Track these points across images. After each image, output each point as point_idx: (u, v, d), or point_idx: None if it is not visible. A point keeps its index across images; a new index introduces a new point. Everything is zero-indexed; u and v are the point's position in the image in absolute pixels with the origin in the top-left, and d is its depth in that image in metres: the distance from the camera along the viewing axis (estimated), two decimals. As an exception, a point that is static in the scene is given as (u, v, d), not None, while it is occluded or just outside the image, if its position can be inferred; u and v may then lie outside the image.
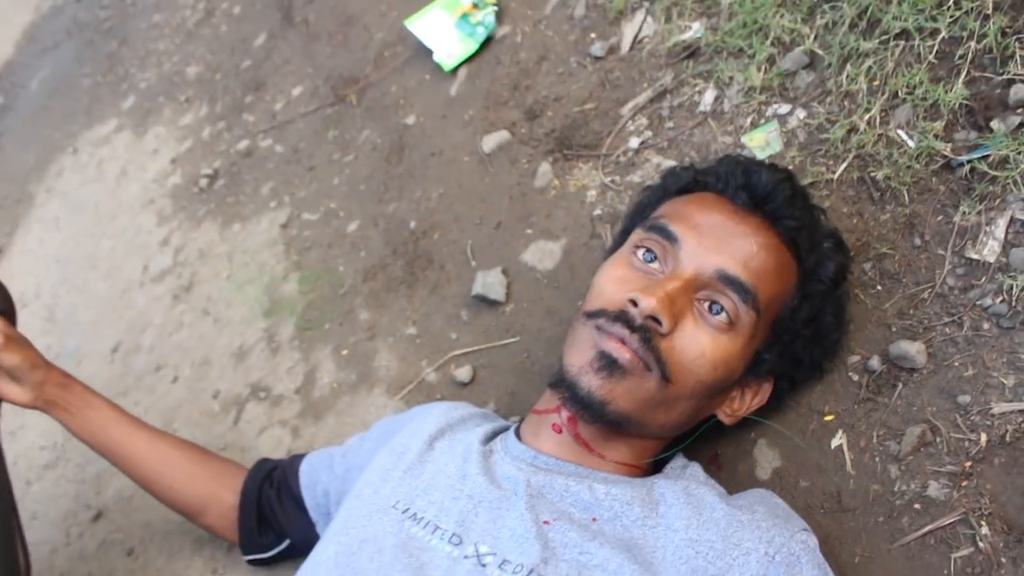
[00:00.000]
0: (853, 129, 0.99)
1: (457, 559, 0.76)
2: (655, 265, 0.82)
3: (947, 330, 0.84)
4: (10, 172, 2.81)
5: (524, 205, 1.28)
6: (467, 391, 1.16)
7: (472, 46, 1.59)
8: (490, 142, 1.40)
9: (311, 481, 1.07)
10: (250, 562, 1.14)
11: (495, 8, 1.61)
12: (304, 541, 1.07)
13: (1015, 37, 0.88)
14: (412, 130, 1.57)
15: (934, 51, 0.94)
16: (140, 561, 1.31)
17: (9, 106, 3.40)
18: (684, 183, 0.88)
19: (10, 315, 1.20)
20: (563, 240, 1.21)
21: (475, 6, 1.63)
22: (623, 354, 0.77)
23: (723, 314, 0.79)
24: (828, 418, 0.88)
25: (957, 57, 0.92)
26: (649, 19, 1.32)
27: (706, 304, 0.79)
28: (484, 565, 0.75)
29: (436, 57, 1.63)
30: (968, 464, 0.78)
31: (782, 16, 1.11)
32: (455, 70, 1.59)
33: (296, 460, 1.12)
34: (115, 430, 1.14)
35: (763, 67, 1.12)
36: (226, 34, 2.44)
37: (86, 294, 1.93)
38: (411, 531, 0.80)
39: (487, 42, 1.58)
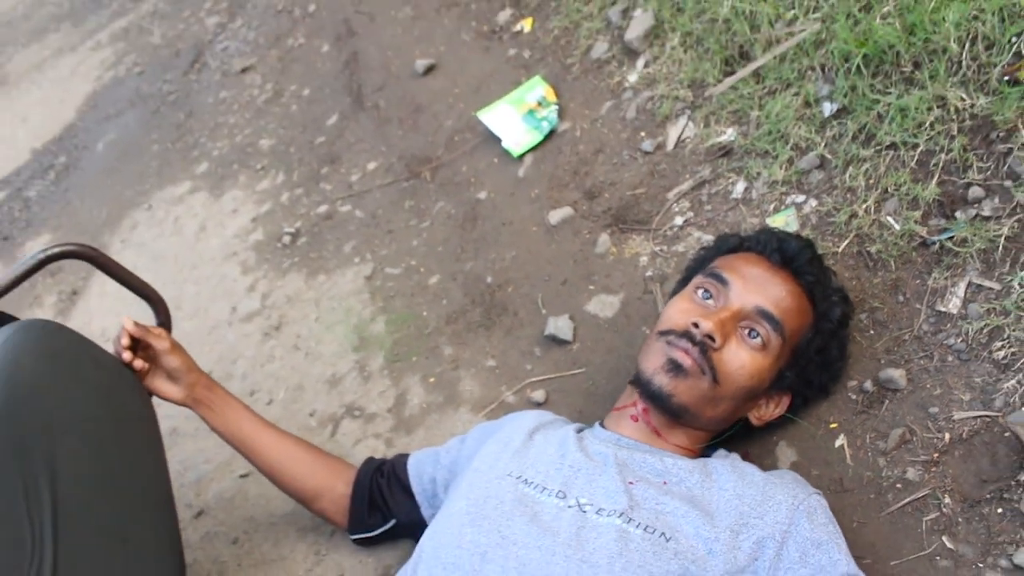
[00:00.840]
0: (853, 215, 1.34)
1: (563, 508, 1.06)
2: (710, 301, 1.16)
3: (922, 362, 1.17)
4: (81, 224, 3.14)
5: (586, 267, 1.63)
6: (542, 409, 1.48)
7: (537, 137, 1.97)
8: (555, 216, 1.76)
9: (418, 471, 1.37)
10: (355, 540, 1.43)
11: (557, 107, 2.00)
12: (408, 521, 1.36)
13: (972, 152, 1.24)
14: (484, 203, 1.93)
15: (915, 159, 1.31)
16: (245, 547, 1.59)
17: (73, 165, 3.75)
18: (732, 245, 1.23)
19: (168, 327, 1.52)
20: (620, 294, 1.55)
21: (539, 104, 2.02)
22: (686, 360, 1.10)
23: (759, 338, 1.12)
24: (833, 426, 1.20)
25: (931, 164, 1.29)
26: (690, 124, 1.70)
27: (746, 331, 1.13)
28: (584, 512, 1.05)
29: (505, 144, 2.00)
30: (936, 455, 1.10)
31: (800, 127, 1.48)
32: (522, 156, 1.96)
33: (402, 457, 1.42)
34: (248, 427, 1.44)
35: (784, 166, 1.48)
36: (297, 113, 2.83)
37: (172, 331, 2.23)
38: (524, 490, 1.11)
39: (550, 134, 1.95)
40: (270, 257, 2.23)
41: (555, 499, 1.08)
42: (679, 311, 1.16)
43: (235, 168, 2.74)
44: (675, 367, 1.11)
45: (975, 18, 1.28)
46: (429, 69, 2.48)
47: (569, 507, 1.06)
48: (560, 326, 1.54)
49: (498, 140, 2.03)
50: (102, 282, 2.69)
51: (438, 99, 2.37)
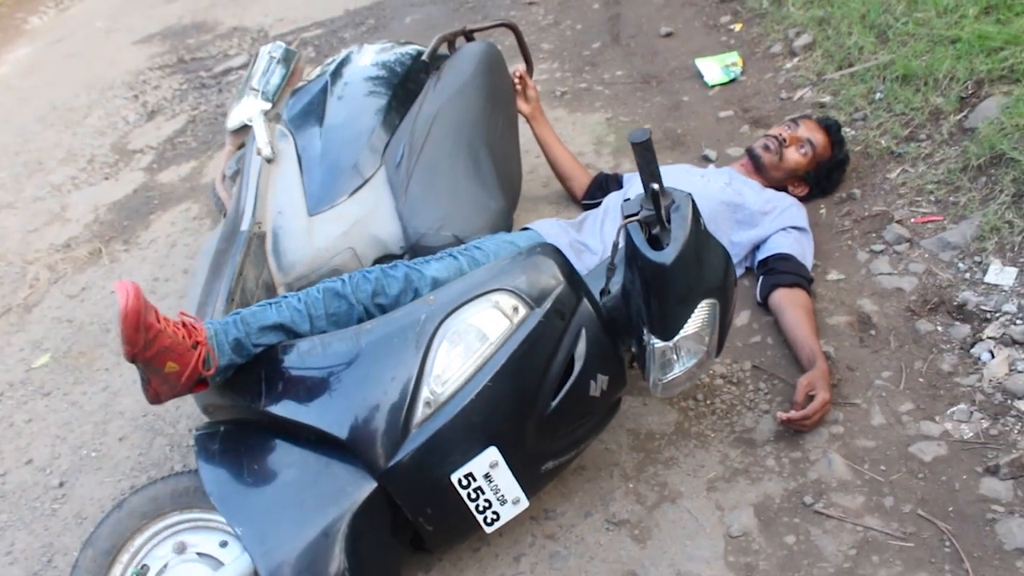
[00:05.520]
0: (867, 137, 3.12)
1: (703, 179, 2.83)
2: (788, 130, 2.95)
3: (870, 191, 2.93)
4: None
5: (732, 136, 3.42)
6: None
7: (725, 79, 3.80)
8: (723, 114, 3.57)
9: (628, 176, 3.18)
10: (584, 205, 3.23)
11: (741, 69, 3.83)
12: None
13: (929, 120, 3.01)
14: (685, 103, 3.76)
15: (904, 121, 3.08)
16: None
17: (382, 27, 5.70)
18: (807, 115, 3.03)
19: (531, 77, 3.36)
20: (743, 146, 3.35)
21: (732, 64, 3.86)
22: (771, 144, 2.88)
23: (803, 149, 2.89)
24: (822, 208, 2.96)
25: (911, 123, 3.05)
26: (809, 90, 3.51)
27: (799, 146, 2.91)
28: (709, 181, 2.83)
29: (706, 79, 3.84)
30: (860, 219, 2.85)
31: (861, 100, 3.27)
32: (713, 87, 3.80)
33: (619, 174, 3.24)
34: (552, 138, 3.25)
35: (848, 115, 3.27)
36: (570, 36, 4.72)
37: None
38: (688, 172, 2.90)
39: (732, 81, 3.79)
40: (546, 99, 4.09)
41: (698, 177, 2.87)
42: (776, 128, 2.95)
43: (522, 54, 4.63)
44: (765, 146, 2.90)
45: (951, 67, 3.06)
46: (668, 34, 4.35)
47: (704, 180, 2.85)
48: (710, 153, 3.35)
49: (702, 76, 3.87)
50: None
51: (670, 51, 4.24)
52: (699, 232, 1.88)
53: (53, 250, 4.11)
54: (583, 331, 1.96)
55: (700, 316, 1.93)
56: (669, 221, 1.87)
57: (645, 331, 1.93)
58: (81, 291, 3.71)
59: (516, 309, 1.90)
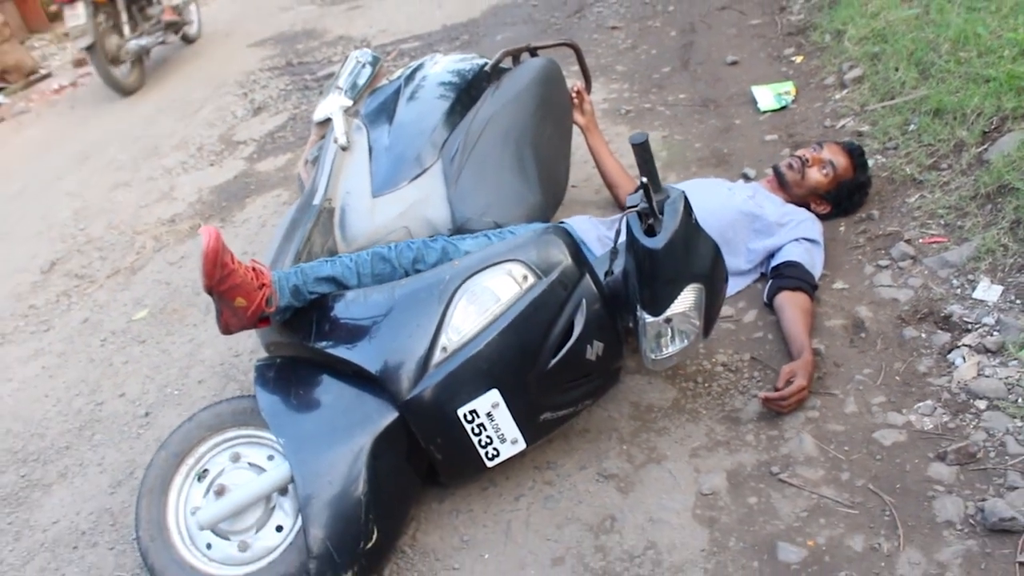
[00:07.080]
0: (895, 164, 3.41)
1: (729, 189, 3.18)
2: (813, 152, 3.26)
3: (888, 212, 3.22)
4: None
5: (776, 155, 3.75)
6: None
7: (777, 106, 4.11)
8: (768, 137, 3.89)
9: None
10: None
11: (793, 97, 4.15)
12: (654, 207, 3.53)
13: (952, 152, 3.28)
14: (736, 125, 4.09)
15: (931, 152, 3.35)
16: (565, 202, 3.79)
17: (475, 43, 6.17)
18: (831, 140, 3.34)
19: (589, 92, 3.76)
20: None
21: (786, 93, 4.18)
22: (795, 164, 3.20)
23: (825, 170, 3.20)
24: (841, 226, 3.26)
25: (936, 152, 3.33)
26: (851, 120, 3.80)
27: (822, 167, 3.21)
28: (734, 192, 3.18)
29: (759, 105, 4.16)
30: (875, 237, 3.14)
31: (895, 130, 3.55)
32: (764, 113, 4.12)
33: (662, 185, 3.60)
34: (603, 148, 3.64)
35: (881, 143, 3.56)
36: (644, 60, 5.10)
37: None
38: (713, 183, 3.25)
39: (784, 108, 4.10)
40: (611, 117, 4.48)
41: (725, 189, 3.21)
42: (802, 150, 3.27)
43: (598, 74, 5.04)
44: (789, 165, 3.21)
45: (980, 103, 3.32)
46: (734, 63, 4.69)
47: (730, 192, 3.19)
48: (750, 172, 3.67)
49: (755, 103, 4.20)
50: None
51: (732, 77, 4.57)
52: (689, 224, 2.24)
53: (160, 223, 4.69)
54: (583, 302, 2.33)
55: (687, 298, 2.27)
56: (662, 213, 2.23)
57: (639, 308, 2.29)
58: (180, 259, 4.25)
59: (525, 277, 2.28)
